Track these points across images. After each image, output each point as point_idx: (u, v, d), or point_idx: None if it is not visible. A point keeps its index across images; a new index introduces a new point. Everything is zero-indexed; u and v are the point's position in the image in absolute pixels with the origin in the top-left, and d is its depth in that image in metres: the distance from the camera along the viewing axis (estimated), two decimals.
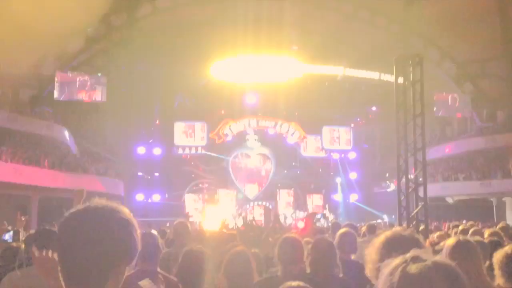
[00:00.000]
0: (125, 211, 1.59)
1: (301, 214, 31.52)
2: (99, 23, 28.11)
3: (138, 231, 1.59)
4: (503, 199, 28.92)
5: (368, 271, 2.24)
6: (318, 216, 24.10)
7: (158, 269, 3.87)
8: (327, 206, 31.37)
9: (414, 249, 1.50)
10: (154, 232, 5.63)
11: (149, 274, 3.58)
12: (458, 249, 3.18)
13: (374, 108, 34.47)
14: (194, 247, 3.76)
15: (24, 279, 3.46)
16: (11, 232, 9.37)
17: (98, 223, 1.51)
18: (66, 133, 28.13)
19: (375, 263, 2.19)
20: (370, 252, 2.28)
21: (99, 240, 1.48)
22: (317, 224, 20.46)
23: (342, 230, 5.63)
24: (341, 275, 4.11)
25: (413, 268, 1.38)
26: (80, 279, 1.48)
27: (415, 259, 1.42)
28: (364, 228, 10.35)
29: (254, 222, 20.45)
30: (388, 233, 2.34)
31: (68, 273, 1.51)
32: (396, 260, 1.44)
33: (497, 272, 3.28)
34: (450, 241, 3.31)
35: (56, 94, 27.40)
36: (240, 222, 28.39)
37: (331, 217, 28.69)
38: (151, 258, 3.80)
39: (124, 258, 1.53)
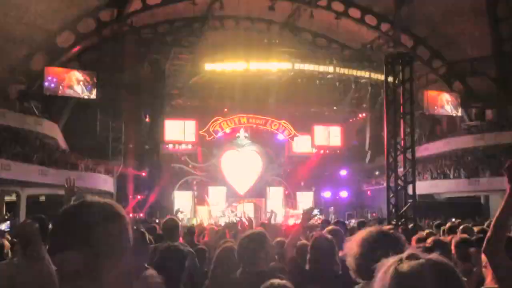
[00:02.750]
0: (118, 206, 1.61)
1: (290, 212, 31.59)
2: (89, 19, 27.94)
3: (130, 226, 1.62)
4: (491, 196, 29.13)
5: (348, 263, 2.35)
6: (316, 212, 23.57)
7: (146, 265, 3.87)
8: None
9: (411, 248, 1.47)
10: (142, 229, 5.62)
11: (138, 270, 3.56)
12: None
13: (364, 106, 34.57)
14: (172, 244, 3.71)
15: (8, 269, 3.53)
16: (8, 222, 9.58)
17: (92, 218, 1.53)
18: (55, 129, 27.94)
19: (355, 255, 2.29)
20: (352, 245, 2.36)
21: (93, 234, 1.50)
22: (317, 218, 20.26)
23: (329, 228, 5.66)
24: (340, 272, 4.04)
25: (405, 266, 1.35)
26: (74, 272, 1.50)
27: (410, 257, 1.38)
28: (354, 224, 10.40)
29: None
30: (372, 229, 2.40)
31: (62, 266, 1.52)
32: (391, 259, 1.41)
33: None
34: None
35: (45, 89, 27.21)
36: (231, 219, 28.44)
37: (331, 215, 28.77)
38: (140, 254, 3.78)
39: (117, 253, 1.55)
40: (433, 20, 29.79)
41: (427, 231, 9.08)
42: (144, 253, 4.08)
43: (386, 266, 1.40)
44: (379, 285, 1.40)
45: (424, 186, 27.50)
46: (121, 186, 30.80)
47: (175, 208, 30.35)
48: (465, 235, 4.92)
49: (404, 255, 1.40)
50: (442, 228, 7.66)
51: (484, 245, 2.71)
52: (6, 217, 23.11)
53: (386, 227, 6.05)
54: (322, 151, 35.32)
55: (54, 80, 27.62)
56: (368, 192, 34.95)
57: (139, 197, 31.35)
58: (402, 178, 12.94)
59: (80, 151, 28.74)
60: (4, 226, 9.75)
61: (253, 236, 3.63)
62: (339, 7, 30.82)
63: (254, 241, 3.56)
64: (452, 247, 4.48)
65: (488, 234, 2.70)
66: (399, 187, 12.82)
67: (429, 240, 4.41)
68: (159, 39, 31.40)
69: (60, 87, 27.76)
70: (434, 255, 1.40)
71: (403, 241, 2.36)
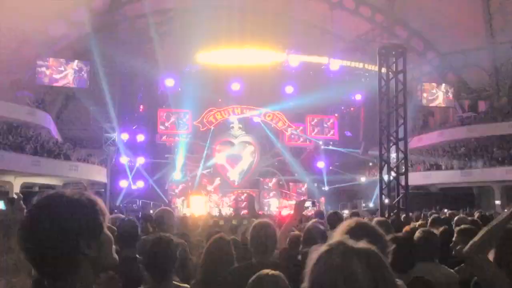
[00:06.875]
0: (90, 195, 1.60)
1: (284, 202, 31.67)
2: (82, 8, 27.71)
3: (105, 214, 1.59)
4: (492, 186, 29.20)
5: None
6: (308, 204, 23.52)
7: (137, 256, 3.86)
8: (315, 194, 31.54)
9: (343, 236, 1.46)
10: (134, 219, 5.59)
11: (128, 261, 3.56)
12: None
13: (358, 98, 34.57)
14: (164, 234, 3.70)
15: None
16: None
17: (61, 207, 1.52)
18: (48, 119, 27.79)
19: None
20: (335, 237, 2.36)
21: (61, 222, 1.48)
22: (310, 209, 20.31)
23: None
24: None
25: (334, 257, 1.35)
26: (47, 263, 1.50)
27: (338, 245, 1.39)
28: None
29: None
30: (351, 221, 2.37)
31: (35, 260, 1.51)
32: (322, 247, 1.41)
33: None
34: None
35: (37, 79, 27.01)
36: (225, 210, 28.51)
37: (322, 205, 28.84)
38: (130, 245, 3.78)
39: (89, 240, 1.53)
40: (427, 12, 29.79)
41: (419, 222, 9.14)
42: (135, 244, 4.08)
43: (317, 255, 1.39)
44: (310, 273, 1.37)
45: (417, 177, 27.62)
46: (115, 176, 30.69)
47: (169, 198, 30.36)
48: (468, 225, 4.96)
49: (333, 243, 1.40)
50: (432, 218, 7.70)
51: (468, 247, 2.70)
52: None
53: (376, 218, 6.09)
54: (315, 143, 35.35)
55: (47, 70, 27.42)
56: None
57: (133, 187, 31.27)
58: (395, 169, 12.99)
59: (73, 141, 28.61)
60: None
61: (263, 225, 3.82)
62: None
63: (265, 230, 3.75)
64: (455, 236, 4.54)
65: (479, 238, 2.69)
66: (392, 178, 12.87)
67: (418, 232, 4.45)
68: (152, 29, 31.20)
69: (53, 77, 27.57)
70: (361, 244, 1.40)
71: (381, 233, 2.35)
